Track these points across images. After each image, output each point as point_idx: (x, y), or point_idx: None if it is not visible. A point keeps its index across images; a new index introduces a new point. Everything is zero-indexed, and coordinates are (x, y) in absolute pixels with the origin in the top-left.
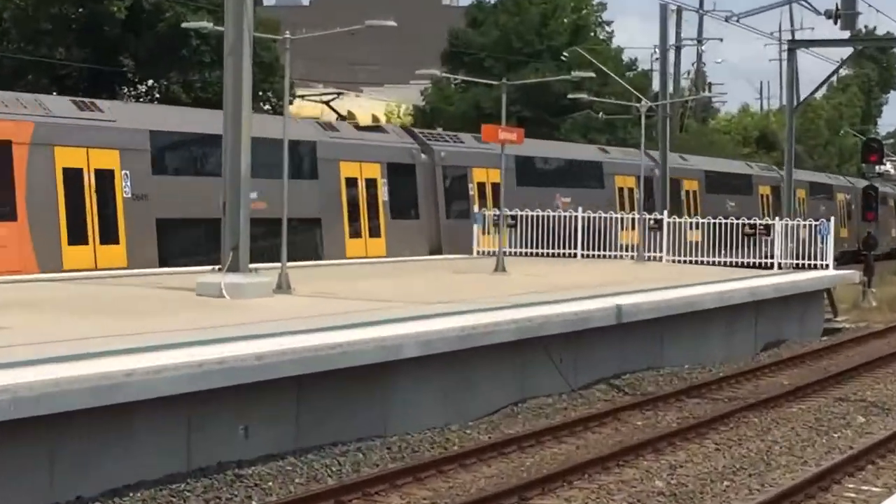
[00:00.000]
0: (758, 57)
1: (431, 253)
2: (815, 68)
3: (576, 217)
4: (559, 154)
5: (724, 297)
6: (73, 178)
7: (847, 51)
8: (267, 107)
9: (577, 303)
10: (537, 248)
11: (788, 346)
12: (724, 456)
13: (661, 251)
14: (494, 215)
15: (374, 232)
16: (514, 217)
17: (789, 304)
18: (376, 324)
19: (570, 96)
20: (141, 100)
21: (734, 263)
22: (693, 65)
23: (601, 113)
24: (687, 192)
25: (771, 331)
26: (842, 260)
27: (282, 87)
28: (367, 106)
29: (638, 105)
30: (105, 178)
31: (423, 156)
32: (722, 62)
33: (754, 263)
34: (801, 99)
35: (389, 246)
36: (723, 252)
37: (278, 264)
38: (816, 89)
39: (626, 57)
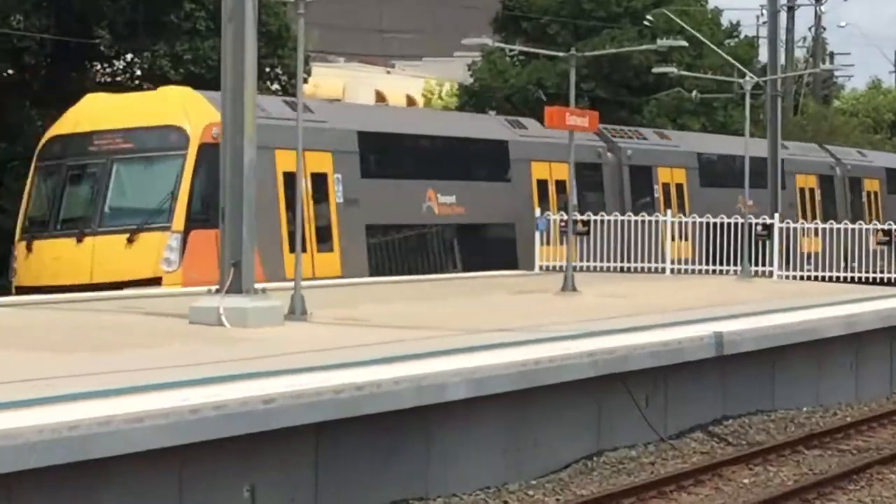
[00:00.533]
0: (892, 19)
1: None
2: None
3: (664, 222)
4: (741, 150)
5: (851, 322)
6: (291, 182)
7: None
8: (275, 86)
9: (666, 330)
10: (614, 261)
11: None
12: None
13: (771, 265)
14: (562, 220)
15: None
16: (585, 223)
17: None
18: (414, 358)
19: (655, 71)
20: (118, 78)
21: (865, 279)
22: (810, 30)
23: (695, 92)
24: (868, 193)
25: None
26: None
27: (293, 63)
28: (400, 85)
29: (741, 81)
30: (320, 183)
31: (609, 154)
32: (846, 26)
33: (890, 279)
34: None
35: (581, 254)
36: (852, 265)
37: (487, 273)
38: None
39: (725, 21)
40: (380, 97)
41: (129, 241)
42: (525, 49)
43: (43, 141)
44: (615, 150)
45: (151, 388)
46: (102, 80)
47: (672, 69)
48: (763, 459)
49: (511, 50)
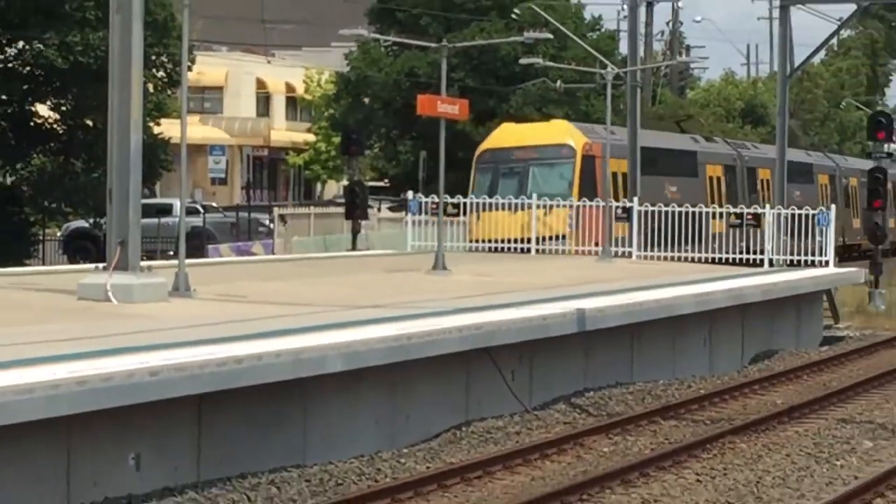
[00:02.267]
0: (745, 15)
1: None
2: (813, 29)
3: (530, 206)
4: (802, 157)
5: (703, 300)
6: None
7: (850, 8)
8: (161, 73)
9: (531, 307)
10: (488, 242)
11: (781, 357)
12: (706, 488)
13: (630, 245)
14: (433, 203)
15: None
16: (455, 206)
17: (782, 308)
18: (292, 332)
19: (521, 62)
20: (10, 65)
21: (717, 260)
22: (668, 24)
23: (559, 82)
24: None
25: (760, 340)
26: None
27: (178, 51)
28: (280, 73)
29: (603, 72)
30: (624, 180)
31: (737, 159)
32: (702, 21)
33: (741, 260)
34: (797, 65)
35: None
36: (704, 246)
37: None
38: (814, 53)
39: (588, 14)
40: (261, 85)
41: (545, 214)
42: (398, 40)
43: (478, 151)
44: (739, 156)
45: (40, 361)
46: None
47: (538, 60)
48: (622, 429)
49: (385, 41)
